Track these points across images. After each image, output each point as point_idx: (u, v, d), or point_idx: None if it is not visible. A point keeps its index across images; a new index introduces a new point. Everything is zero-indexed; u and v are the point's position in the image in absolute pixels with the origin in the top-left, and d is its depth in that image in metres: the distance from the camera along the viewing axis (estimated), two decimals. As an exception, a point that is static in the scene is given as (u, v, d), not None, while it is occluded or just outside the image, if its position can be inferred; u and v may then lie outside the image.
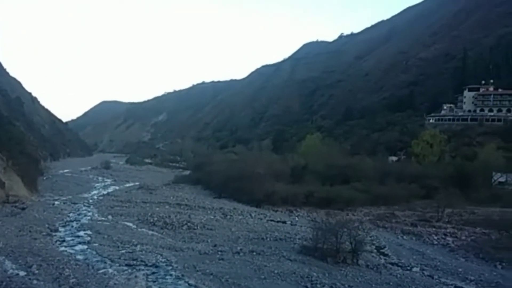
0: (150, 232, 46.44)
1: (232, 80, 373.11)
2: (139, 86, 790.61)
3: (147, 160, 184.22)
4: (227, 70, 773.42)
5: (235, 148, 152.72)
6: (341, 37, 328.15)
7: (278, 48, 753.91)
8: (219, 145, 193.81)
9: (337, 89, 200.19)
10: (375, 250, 40.40)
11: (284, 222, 54.81)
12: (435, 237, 46.06)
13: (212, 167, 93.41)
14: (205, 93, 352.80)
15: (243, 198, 70.50)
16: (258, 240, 43.03)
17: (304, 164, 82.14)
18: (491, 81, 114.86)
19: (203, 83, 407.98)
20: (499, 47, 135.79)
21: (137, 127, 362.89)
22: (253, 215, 58.64)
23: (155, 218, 52.36)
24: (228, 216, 56.93)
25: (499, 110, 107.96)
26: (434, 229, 49.26)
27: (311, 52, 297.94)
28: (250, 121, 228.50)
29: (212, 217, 55.96)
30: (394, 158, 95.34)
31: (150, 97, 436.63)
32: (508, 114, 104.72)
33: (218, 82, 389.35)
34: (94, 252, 37.81)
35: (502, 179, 69.82)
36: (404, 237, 47.85)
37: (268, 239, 43.57)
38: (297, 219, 58.35)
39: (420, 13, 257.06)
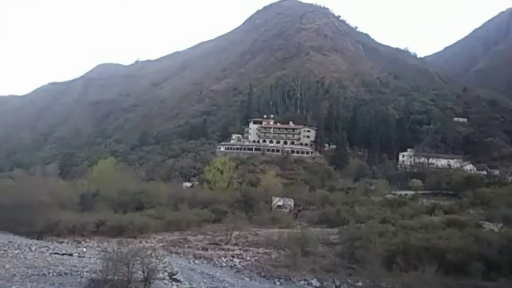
0: None
1: (11, 96, 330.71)
2: None
3: None
4: (6, 84, 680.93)
5: (12, 172, 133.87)
6: (137, 62, 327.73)
7: (68, 66, 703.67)
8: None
9: (133, 114, 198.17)
10: (167, 277, 40.25)
11: (71, 255, 50.08)
12: (224, 260, 48.69)
13: (-19, 194, 79.26)
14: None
15: (21, 230, 61.72)
16: (39, 277, 38.23)
17: (95, 190, 77.32)
18: (272, 116, 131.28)
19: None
20: (277, 86, 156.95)
21: None
22: (33, 248, 51.85)
23: None
24: (2, 251, 49.02)
25: (278, 142, 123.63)
26: (223, 251, 52.00)
27: (105, 74, 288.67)
28: (33, 143, 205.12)
29: (-21, 254, 47.31)
30: (188, 184, 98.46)
31: None
32: (285, 146, 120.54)
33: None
34: None
35: (280, 203, 78.96)
36: (196, 261, 49.18)
37: (51, 275, 39.12)
38: (85, 250, 54.08)
39: (212, 49, 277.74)
